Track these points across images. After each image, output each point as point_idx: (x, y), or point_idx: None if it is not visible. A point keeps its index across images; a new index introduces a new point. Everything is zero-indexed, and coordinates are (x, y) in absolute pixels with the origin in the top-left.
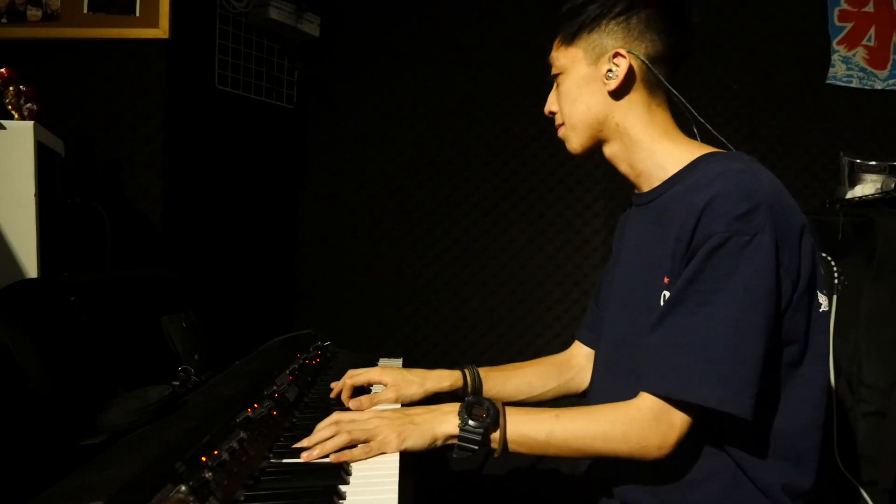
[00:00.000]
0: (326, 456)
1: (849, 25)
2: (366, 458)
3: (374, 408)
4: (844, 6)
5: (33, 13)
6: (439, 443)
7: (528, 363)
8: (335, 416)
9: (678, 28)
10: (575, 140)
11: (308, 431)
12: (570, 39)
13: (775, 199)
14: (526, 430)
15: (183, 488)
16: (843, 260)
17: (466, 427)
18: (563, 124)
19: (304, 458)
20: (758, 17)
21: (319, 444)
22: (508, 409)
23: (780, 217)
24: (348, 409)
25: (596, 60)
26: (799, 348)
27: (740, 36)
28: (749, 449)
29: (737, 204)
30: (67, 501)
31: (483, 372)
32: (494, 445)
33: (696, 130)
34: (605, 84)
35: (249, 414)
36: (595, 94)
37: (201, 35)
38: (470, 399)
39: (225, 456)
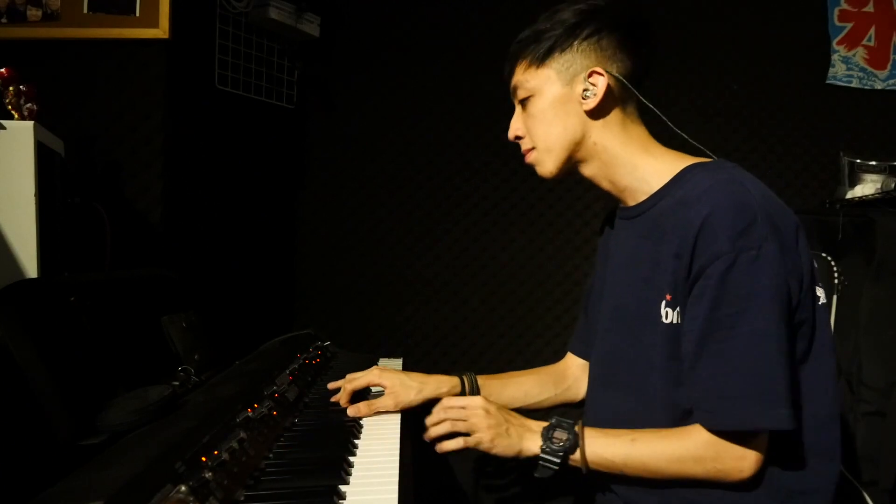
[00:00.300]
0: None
1: (849, 25)
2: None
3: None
4: (844, 6)
5: (33, 13)
6: (522, 457)
7: (525, 372)
8: (444, 402)
9: (644, 48)
10: (550, 163)
11: (308, 431)
12: (540, 60)
13: (768, 206)
14: (604, 453)
15: (183, 488)
16: (843, 260)
17: (547, 450)
18: (532, 149)
19: (438, 448)
20: (758, 17)
21: (430, 430)
22: (588, 432)
23: (777, 222)
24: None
25: (570, 80)
26: (806, 344)
27: (740, 36)
28: (770, 449)
29: (735, 220)
30: (67, 501)
31: (481, 380)
32: (573, 464)
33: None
34: (581, 104)
35: (249, 414)
36: (571, 115)
37: (201, 35)
38: (554, 422)
39: (225, 456)
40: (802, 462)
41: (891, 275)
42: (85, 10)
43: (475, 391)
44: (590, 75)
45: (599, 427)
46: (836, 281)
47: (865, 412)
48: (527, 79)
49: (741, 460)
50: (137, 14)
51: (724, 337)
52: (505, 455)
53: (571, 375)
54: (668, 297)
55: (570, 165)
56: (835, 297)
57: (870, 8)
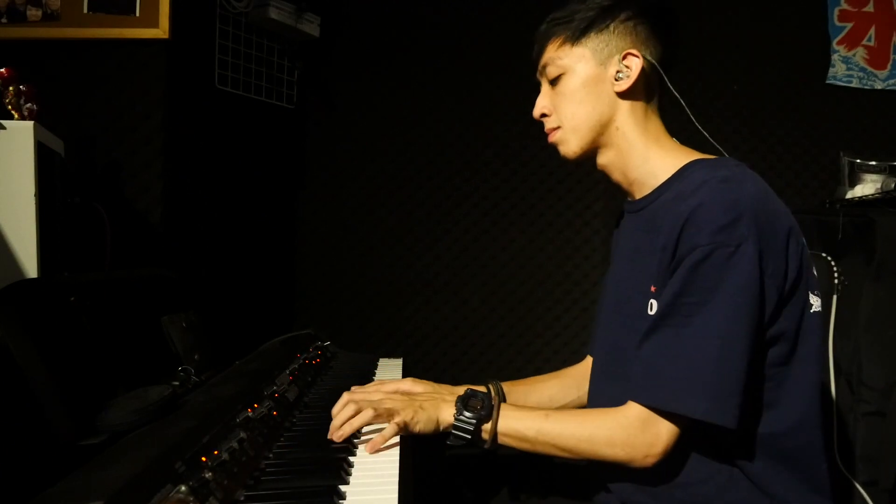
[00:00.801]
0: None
1: (849, 25)
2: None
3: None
4: (844, 6)
5: (33, 13)
6: (440, 429)
7: (549, 376)
8: (347, 395)
9: (674, 38)
10: (574, 143)
11: (308, 431)
12: (576, 38)
13: (759, 207)
14: (516, 425)
15: (183, 488)
16: (843, 260)
17: (461, 417)
18: (558, 128)
19: (336, 437)
20: (758, 17)
21: (347, 422)
22: (503, 406)
23: (765, 224)
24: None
25: (605, 61)
26: (787, 348)
27: (740, 36)
28: (742, 451)
29: (719, 215)
30: (67, 501)
31: (507, 387)
32: (485, 436)
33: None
34: (613, 85)
35: (249, 414)
36: (602, 96)
37: (201, 35)
38: (469, 391)
39: (225, 456)
40: (782, 465)
41: (891, 275)
42: (85, 10)
43: (502, 398)
44: (624, 57)
45: None
46: (836, 281)
47: (865, 412)
48: (560, 56)
49: (651, 447)
50: (137, 14)
51: (677, 323)
52: (427, 431)
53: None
54: (653, 288)
55: (593, 148)
56: (835, 297)
57: (870, 8)
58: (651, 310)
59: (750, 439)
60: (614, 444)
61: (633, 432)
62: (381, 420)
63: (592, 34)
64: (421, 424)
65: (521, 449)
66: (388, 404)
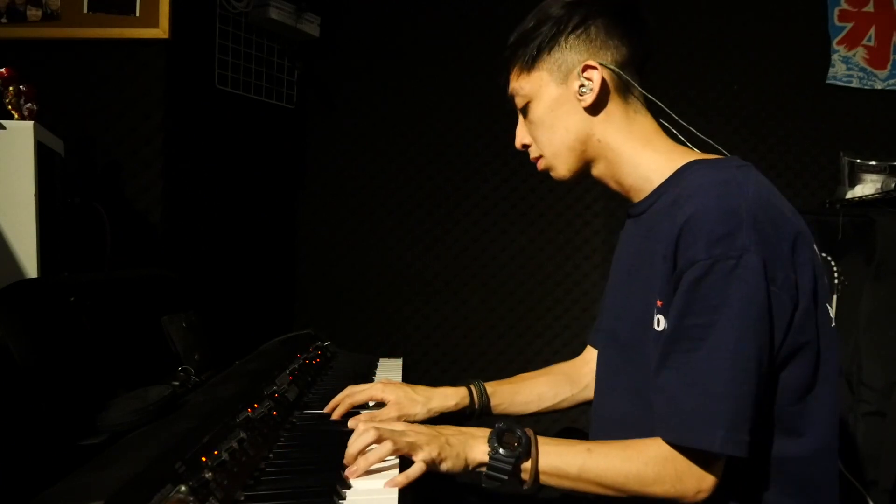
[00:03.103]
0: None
1: (849, 25)
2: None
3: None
4: (844, 6)
5: (33, 13)
6: (470, 468)
7: (537, 373)
8: (366, 416)
9: (635, 29)
10: (561, 167)
11: (308, 431)
12: (530, 64)
13: (761, 212)
14: (557, 461)
15: (183, 488)
16: (843, 260)
17: (497, 455)
18: (540, 156)
19: (350, 472)
20: (758, 17)
21: (363, 455)
22: (541, 439)
23: (768, 231)
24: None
25: (564, 79)
26: (810, 366)
27: (740, 36)
28: (759, 479)
29: (716, 225)
30: (67, 501)
31: (490, 387)
32: (525, 477)
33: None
34: (579, 101)
35: (249, 414)
36: (571, 114)
37: (201, 35)
38: (501, 426)
39: (225, 456)
40: (794, 493)
41: (891, 275)
42: (85, 10)
43: (484, 400)
44: (583, 70)
45: (605, 428)
46: (836, 281)
47: (865, 412)
48: (521, 85)
49: (701, 481)
50: (137, 14)
51: (688, 348)
52: (454, 470)
53: (589, 372)
54: (660, 303)
55: (583, 166)
56: (835, 298)
57: (870, 8)
58: (658, 325)
59: (764, 465)
60: (664, 480)
61: (681, 467)
62: (399, 454)
63: (545, 55)
64: (448, 463)
65: (559, 487)
66: (411, 437)
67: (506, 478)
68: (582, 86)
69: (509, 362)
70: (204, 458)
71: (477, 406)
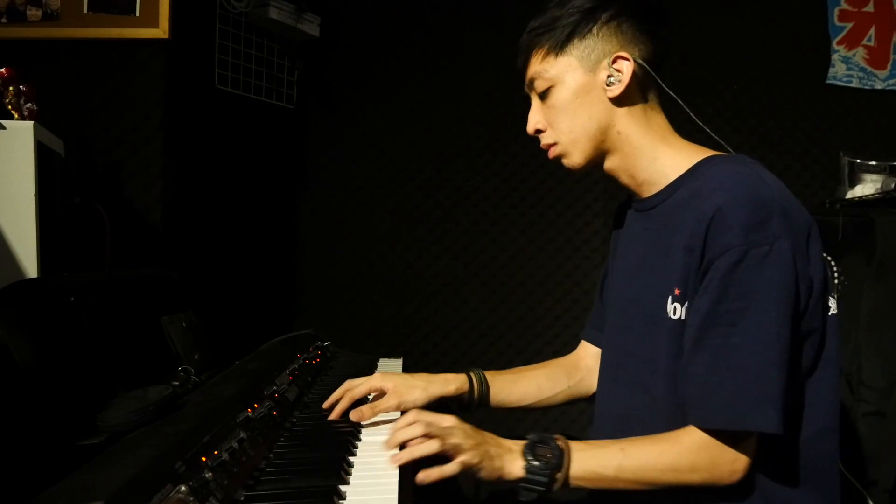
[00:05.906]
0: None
1: (849, 25)
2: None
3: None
4: (844, 6)
5: (33, 13)
6: (504, 480)
7: (535, 366)
8: (414, 415)
9: (661, 30)
10: (577, 155)
11: (308, 431)
12: (560, 48)
13: (786, 203)
14: (593, 465)
15: (183, 488)
16: (843, 260)
17: (532, 468)
18: (555, 143)
19: (394, 460)
20: (758, 18)
21: (409, 448)
22: (573, 445)
23: (793, 221)
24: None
25: (593, 67)
26: (815, 350)
27: (740, 36)
28: (762, 460)
29: (750, 213)
30: (67, 501)
31: (490, 376)
32: (557, 486)
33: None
34: (605, 91)
35: (249, 414)
36: (596, 103)
37: (201, 35)
38: (534, 437)
39: (225, 456)
40: (796, 474)
41: (891, 275)
42: (85, 10)
43: (484, 388)
44: (614, 61)
45: (607, 422)
46: (836, 281)
47: (865, 412)
48: (545, 68)
49: (735, 463)
50: (137, 14)
51: (723, 333)
52: (489, 479)
53: (584, 366)
54: (678, 291)
55: (598, 156)
56: (835, 297)
57: (870, 8)
58: (675, 314)
59: (768, 446)
60: (699, 468)
61: (714, 451)
62: (441, 452)
63: (576, 41)
64: (484, 472)
65: (595, 487)
66: (457, 439)
67: (543, 489)
68: (610, 76)
69: (509, 363)
70: (204, 458)
71: (476, 394)
